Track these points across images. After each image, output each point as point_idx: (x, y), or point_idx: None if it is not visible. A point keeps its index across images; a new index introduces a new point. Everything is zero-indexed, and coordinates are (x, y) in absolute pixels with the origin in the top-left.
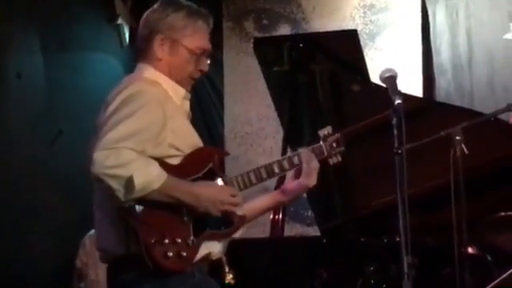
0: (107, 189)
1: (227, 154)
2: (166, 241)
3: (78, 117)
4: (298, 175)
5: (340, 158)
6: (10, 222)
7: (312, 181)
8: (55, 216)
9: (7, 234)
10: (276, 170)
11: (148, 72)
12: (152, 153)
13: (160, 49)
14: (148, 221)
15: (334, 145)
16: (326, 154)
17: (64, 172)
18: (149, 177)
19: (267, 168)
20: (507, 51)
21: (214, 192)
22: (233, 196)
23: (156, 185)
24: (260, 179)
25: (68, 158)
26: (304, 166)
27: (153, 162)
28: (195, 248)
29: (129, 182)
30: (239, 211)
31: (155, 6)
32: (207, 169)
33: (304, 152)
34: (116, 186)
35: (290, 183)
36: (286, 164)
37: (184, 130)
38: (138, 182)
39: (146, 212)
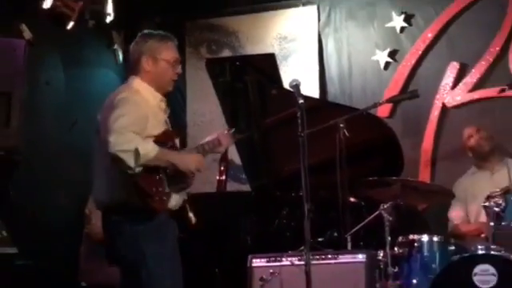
0: (118, 160)
1: (180, 135)
2: (154, 190)
3: (88, 111)
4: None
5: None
6: (42, 184)
7: (222, 148)
8: (73, 179)
9: (40, 193)
10: (208, 146)
11: (134, 83)
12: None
13: (147, 65)
14: (145, 178)
15: (230, 134)
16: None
17: (79, 149)
18: (148, 148)
19: (204, 145)
20: (374, 67)
21: (193, 158)
22: (201, 162)
23: (153, 153)
24: (204, 151)
25: (81, 139)
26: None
27: (148, 139)
28: (169, 196)
29: (136, 153)
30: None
31: (137, 38)
32: (172, 143)
33: (220, 133)
34: (126, 157)
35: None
36: (213, 142)
37: (154, 123)
38: (142, 152)
39: (143, 173)
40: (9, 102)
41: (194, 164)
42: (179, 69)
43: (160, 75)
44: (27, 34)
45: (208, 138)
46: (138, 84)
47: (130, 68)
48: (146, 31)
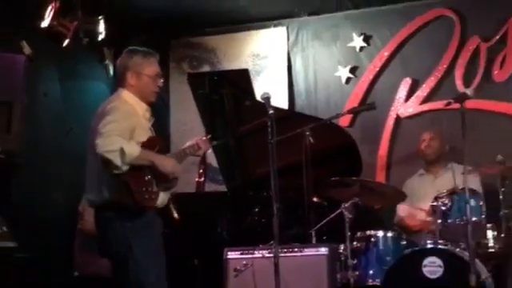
0: (106, 161)
1: (163, 141)
2: (144, 189)
3: (82, 119)
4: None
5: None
6: (40, 185)
7: (201, 151)
8: (68, 180)
9: (38, 192)
10: (188, 150)
11: (123, 94)
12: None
13: (131, 79)
14: (134, 178)
15: (208, 140)
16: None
17: (73, 153)
18: (132, 148)
19: (185, 149)
20: (336, 82)
21: (170, 161)
22: (176, 167)
23: (136, 153)
24: (184, 155)
25: (76, 145)
26: (197, 143)
27: (132, 141)
28: (157, 195)
29: (122, 152)
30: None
31: (123, 54)
32: (157, 148)
33: (198, 138)
34: (113, 157)
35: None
36: (193, 147)
37: (141, 132)
38: (127, 151)
39: (131, 173)
40: (10, 111)
41: (171, 167)
42: (160, 82)
43: (143, 88)
44: (27, 49)
45: (188, 143)
46: (126, 95)
47: (118, 80)
48: (130, 48)
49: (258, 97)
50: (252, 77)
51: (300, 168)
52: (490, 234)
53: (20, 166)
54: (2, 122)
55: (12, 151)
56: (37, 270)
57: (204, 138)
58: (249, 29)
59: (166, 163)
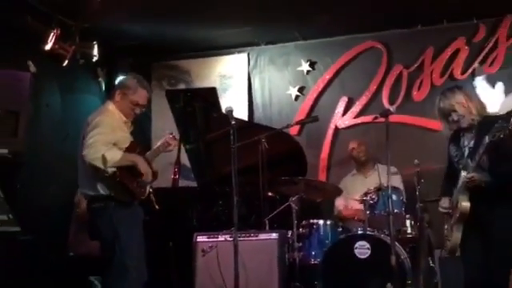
0: (94, 167)
1: (141, 147)
2: (135, 184)
3: (77, 126)
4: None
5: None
6: (41, 180)
7: (171, 147)
8: (65, 176)
9: (39, 186)
10: (161, 148)
11: (109, 106)
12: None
13: (117, 96)
14: (127, 176)
15: (174, 137)
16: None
17: (69, 154)
18: (112, 154)
19: (158, 148)
20: (287, 99)
21: (143, 161)
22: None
23: (118, 157)
24: (155, 154)
25: (71, 147)
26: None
27: (114, 148)
28: (146, 187)
29: (103, 158)
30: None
31: (128, 74)
32: (137, 152)
33: (166, 137)
34: (97, 163)
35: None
36: (163, 145)
37: (121, 139)
38: (108, 157)
39: (124, 173)
40: (17, 119)
41: (144, 166)
42: (138, 110)
43: (124, 107)
44: (32, 68)
45: (159, 142)
46: (111, 107)
47: (109, 95)
48: (136, 75)
49: (224, 110)
50: (219, 94)
51: (257, 168)
52: (408, 223)
53: (24, 165)
54: (10, 128)
55: (18, 152)
56: (37, 250)
57: (171, 135)
58: (217, 54)
59: (142, 162)
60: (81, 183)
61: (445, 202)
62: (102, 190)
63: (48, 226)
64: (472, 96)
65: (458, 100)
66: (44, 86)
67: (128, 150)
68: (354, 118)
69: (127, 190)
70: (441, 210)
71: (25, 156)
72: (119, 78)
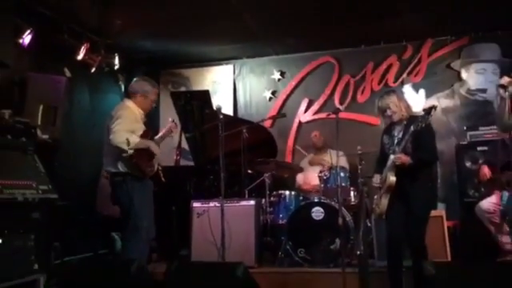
0: (118, 148)
1: (152, 134)
2: (147, 164)
3: (103, 118)
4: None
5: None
6: (74, 158)
7: (174, 133)
8: (93, 156)
9: (73, 164)
10: (165, 133)
11: (128, 103)
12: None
13: (140, 97)
14: (141, 158)
15: (175, 124)
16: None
17: (97, 140)
18: (133, 139)
19: (163, 134)
20: (263, 100)
21: (154, 145)
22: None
23: (137, 140)
24: (161, 139)
25: (98, 134)
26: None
27: (133, 134)
28: (154, 166)
29: (128, 141)
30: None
31: (139, 79)
32: (149, 137)
33: (169, 125)
34: (122, 145)
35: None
36: (167, 132)
37: (138, 128)
38: (130, 140)
39: (138, 155)
40: (56, 112)
41: (155, 149)
42: (154, 105)
43: (146, 105)
44: (67, 73)
45: (165, 129)
46: (130, 104)
47: (127, 93)
48: (145, 77)
49: (214, 107)
50: (211, 95)
51: (239, 152)
52: (352, 193)
53: (60, 147)
54: (50, 119)
55: (56, 138)
56: (71, 212)
57: (173, 122)
58: (210, 65)
59: (154, 145)
60: (105, 162)
61: (376, 178)
62: (121, 167)
63: (79, 195)
64: (402, 98)
65: (392, 100)
66: (76, 87)
67: (142, 136)
68: (313, 114)
69: (139, 168)
70: (373, 184)
71: (61, 141)
72: (136, 83)
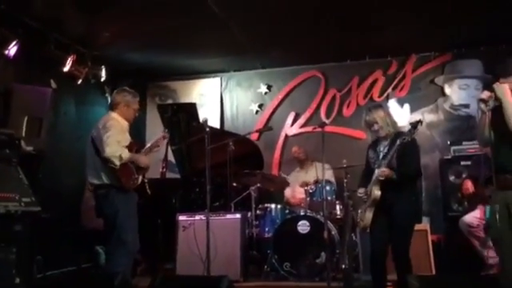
0: (109, 161)
1: (137, 146)
2: (130, 177)
3: (88, 130)
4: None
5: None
6: (58, 171)
7: (163, 142)
8: (77, 168)
9: (57, 175)
10: (153, 145)
11: (114, 115)
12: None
13: (123, 108)
14: (124, 171)
15: (166, 136)
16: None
17: (81, 151)
18: (125, 154)
19: (152, 144)
20: (250, 113)
21: (144, 158)
22: (146, 161)
23: (127, 156)
24: (150, 150)
25: (83, 146)
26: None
27: (125, 149)
28: (138, 179)
29: (120, 157)
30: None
31: (119, 91)
32: (134, 150)
33: (157, 138)
34: (114, 160)
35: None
36: (156, 143)
37: (125, 139)
38: (123, 155)
39: (122, 168)
40: (41, 123)
41: (143, 162)
42: (137, 113)
43: (128, 115)
44: (53, 84)
45: (156, 137)
46: (115, 116)
47: (110, 106)
48: (125, 88)
49: (201, 120)
50: (198, 108)
51: (225, 164)
52: (337, 207)
53: (45, 159)
54: (35, 131)
55: (40, 149)
56: (55, 225)
57: (162, 133)
58: (197, 78)
59: (141, 160)
60: (89, 174)
61: (361, 191)
62: (105, 179)
63: (63, 207)
64: (389, 113)
65: (379, 115)
66: (62, 98)
67: (128, 148)
68: (300, 128)
69: (119, 181)
70: (358, 195)
71: (46, 152)
72: (117, 94)
